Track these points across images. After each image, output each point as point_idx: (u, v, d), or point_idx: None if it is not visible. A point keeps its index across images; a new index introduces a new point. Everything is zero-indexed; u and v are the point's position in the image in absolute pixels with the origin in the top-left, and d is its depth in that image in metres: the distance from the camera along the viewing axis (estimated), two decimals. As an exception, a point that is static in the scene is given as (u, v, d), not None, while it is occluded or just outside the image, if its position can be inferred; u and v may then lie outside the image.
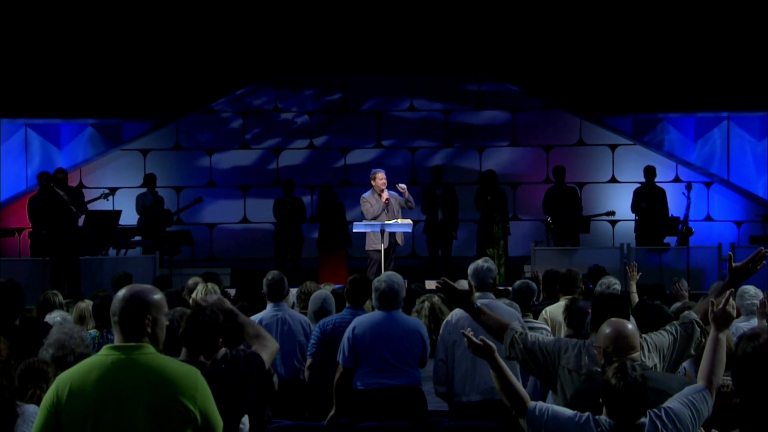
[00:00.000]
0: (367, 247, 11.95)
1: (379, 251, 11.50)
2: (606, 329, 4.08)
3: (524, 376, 5.77)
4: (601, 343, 4.08)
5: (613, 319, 4.14)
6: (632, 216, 14.05)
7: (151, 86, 15.56)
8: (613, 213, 14.23)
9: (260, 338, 4.34)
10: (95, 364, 3.33)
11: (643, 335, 4.50)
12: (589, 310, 4.61)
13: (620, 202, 14.95)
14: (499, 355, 3.95)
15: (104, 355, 3.34)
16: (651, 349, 4.46)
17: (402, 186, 11.77)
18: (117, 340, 3.37)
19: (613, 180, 16.03)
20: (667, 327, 4.67)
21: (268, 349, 4.30)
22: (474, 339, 4.03)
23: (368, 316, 6.24)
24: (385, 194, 11.71)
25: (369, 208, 11.75)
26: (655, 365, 4.44)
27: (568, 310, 5.74)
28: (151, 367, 3.31)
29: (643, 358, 4.34)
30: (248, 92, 16.34)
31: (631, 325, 4.11)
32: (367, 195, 11.92)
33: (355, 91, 16.41)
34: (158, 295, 3.43)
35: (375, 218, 11.68)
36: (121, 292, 3.40)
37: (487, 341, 4.02)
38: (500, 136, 16.25)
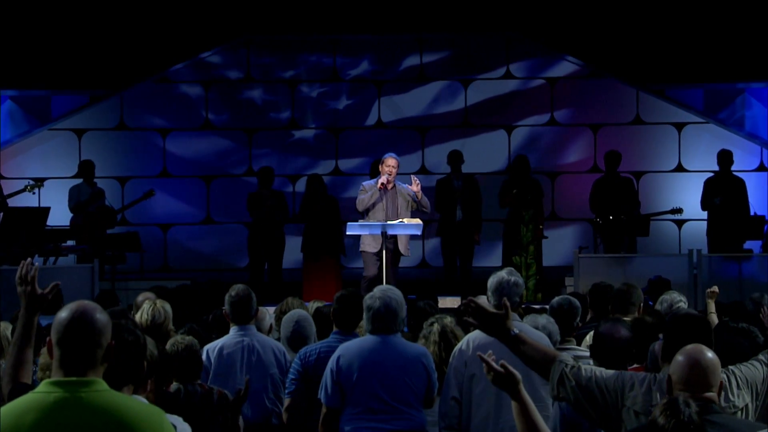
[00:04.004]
0: (362, 248, 11.84)
1: (376, 255, 11.45)
2: (678, 357, 4.11)
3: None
4: (673, 375, 4.10)
5: (690, 345, 4.16)
6: (703, 214, 14.02)
7: (89, 48, 15.52)
8: (679, 210, 14.19)
9: None
10: (32, 403, 3.28)
11: (731, 367, 4.56)
12: (620, 336, 4.63)
13: (688, 196, 14.93)
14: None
15: (44, 392, 3.30)
16: (741, 385, 4.49)
17: (415, 182, 11.52)
18: (57, 373, 3.35)
19: (680, 168, 16.01)
20: (761, 356, 4.73)
21: None
22: (494, 365, 4.04)
23: (357, 342, 6.20)
24: (384, 178, 11.61)
25: (363, 197, 11.69)
26: (747, 405, 4.46)
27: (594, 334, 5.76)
28: (105, 408, 3.28)
29: (731, 397, 4.36)
30: (212, 56, 16.33)
31: (711, 354, 4.12)
32: (367, 183, 11.83)
33: (349, 55, 16.39)
34: (106, 316, 3.46)
35: (367, 211, 11.61)
36: (66, 312, 3.40)
37: (510, 368, 4.03)
38: (535, 112, 16.23)
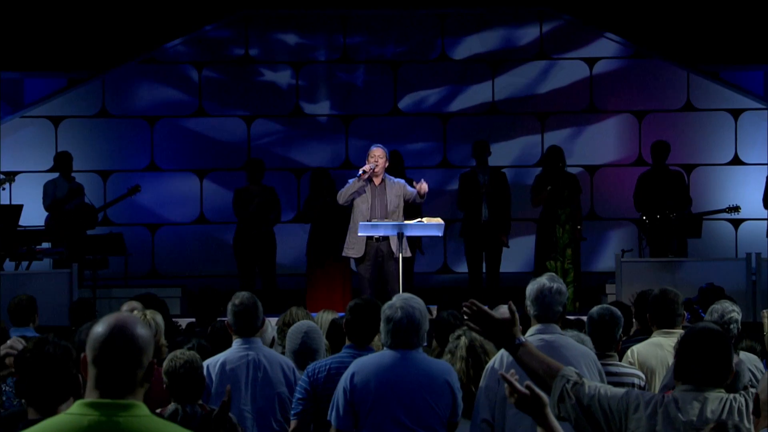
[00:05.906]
0: (345, 253, 11.85)
1: (364, 261, 11.48)
2: None
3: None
4: (761, 395, 4.10)
5: None
6: (764, 213, 13.98)
7: (67, 26, 15.54)
8: (736, 209, 14.16)
9: None
10: (64, 425, 3.27)
11: (751, 390, 4.54)
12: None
13: (746, 192, 14.91)
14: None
15: (78, 414, 3.29)
16: None
17: (422, 187, 11.40)
18: (91, 394, 3.35)
19: (736, 161, 15.97)
20: None
21: None
22: (517, 385, 4.06)
23: (374, 358, 6.17)
24: (367, 167, 11.54)
25: (342, 190, 11.69)
26: None
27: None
28: None
29: (748, 423, 4.36)
30: (207, 33, 16.34)
31: None
32: (353, 180, 11.81)
33: (362, 34, 16.39)
34: (149, 331, 3.46)
35: (351, 206, 11.61)
36: (103, 326, 3.37)
37: (536, 390, 4.05)
38: (571, 97, 16.21)
